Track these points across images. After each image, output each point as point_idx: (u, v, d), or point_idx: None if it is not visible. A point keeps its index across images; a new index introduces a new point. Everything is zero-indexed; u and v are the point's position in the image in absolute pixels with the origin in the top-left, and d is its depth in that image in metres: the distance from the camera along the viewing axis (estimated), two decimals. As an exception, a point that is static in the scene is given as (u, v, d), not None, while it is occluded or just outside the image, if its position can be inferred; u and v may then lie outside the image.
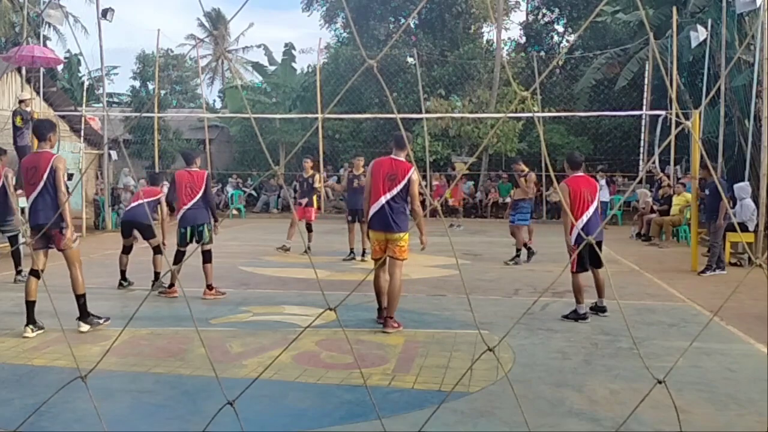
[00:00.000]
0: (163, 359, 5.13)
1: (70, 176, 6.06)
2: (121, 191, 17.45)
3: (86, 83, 24.52)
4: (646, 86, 20.30)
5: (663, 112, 17.92)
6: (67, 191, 6.15)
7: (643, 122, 20.30)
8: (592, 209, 6.65)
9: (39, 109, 14.50)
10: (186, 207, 7.49)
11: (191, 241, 7.53)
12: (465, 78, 23.04)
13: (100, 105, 22.81)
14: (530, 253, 10.80)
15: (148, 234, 8.16)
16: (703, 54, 16.32)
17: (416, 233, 6.68)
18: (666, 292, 8.29)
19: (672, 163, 17.67)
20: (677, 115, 12.95)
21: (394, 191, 6.05)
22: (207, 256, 7.50)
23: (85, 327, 5.95)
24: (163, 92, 27.43)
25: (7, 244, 9.68)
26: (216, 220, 7.78)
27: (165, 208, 8.45)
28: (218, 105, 35.84)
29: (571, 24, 26.93)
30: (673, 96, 16.98)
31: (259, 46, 38.26)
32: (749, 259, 10.29)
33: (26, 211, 6.12)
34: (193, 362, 5.07)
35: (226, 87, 35.32)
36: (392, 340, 5.76)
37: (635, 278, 9.35)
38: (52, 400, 3.32)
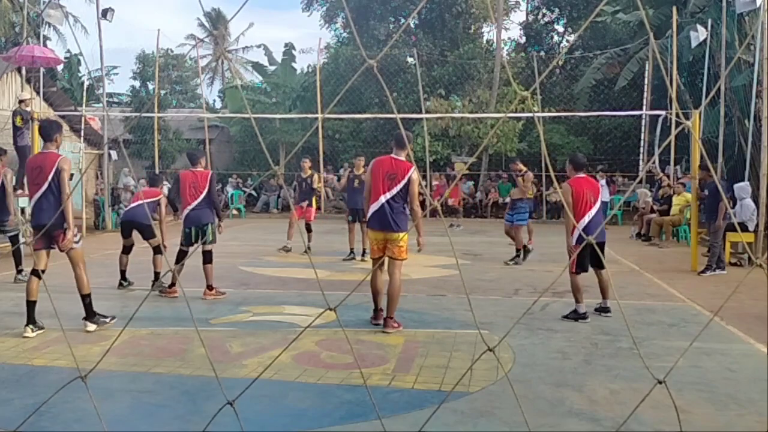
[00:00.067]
0: (163, 359, 5.13)
1: (70, 176, 6.05)
2: (121, 191, 17.44)
3: (86, 83, 24.50)
4: (646, 86, 20.28)
5: (663, 112, 17.89)
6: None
7: (643, 122, 20.28)
8: (594, 210, 6.62)
9: (39, 109, 14.50)
10: (190, 207, 7.49)
11: (196, 241, 7.53)
12: (465, 78, 23.03)
13: (100, 105, 22.85)
14: (525, 251, 10.79)
15: (147, 234, 8.16)
16: (703, 54, 16.32)
17: (415, 233, 6.67)
18: (666, 292, 8.29)
19: (672, 163, 17.65)
20: (677, 115, 12.93)
21: (394, 191, 6.04)
22: (207, 257, 7.51)
23: (92, 326, 5.96)
24: (163, 92, 27.40)
25: (8, 244, 9.68)
26: (221, 220, 7.79)
27: (164, 209, 8.47)
28: (218, 105, 35.85)
29: (571, 24, 26.93)
30: (673, 96, 16.97)
31: (259, 46, 38.35)
32: (749, 259, 10.29)
33: (26, 210, 6.12)
34: (193, 362, 5.07)
35: (226, 87, 35.34)
36: (392, 340, 5.77)
37: (635, 278, 9.35)
38: (52, 400, 3.31)
